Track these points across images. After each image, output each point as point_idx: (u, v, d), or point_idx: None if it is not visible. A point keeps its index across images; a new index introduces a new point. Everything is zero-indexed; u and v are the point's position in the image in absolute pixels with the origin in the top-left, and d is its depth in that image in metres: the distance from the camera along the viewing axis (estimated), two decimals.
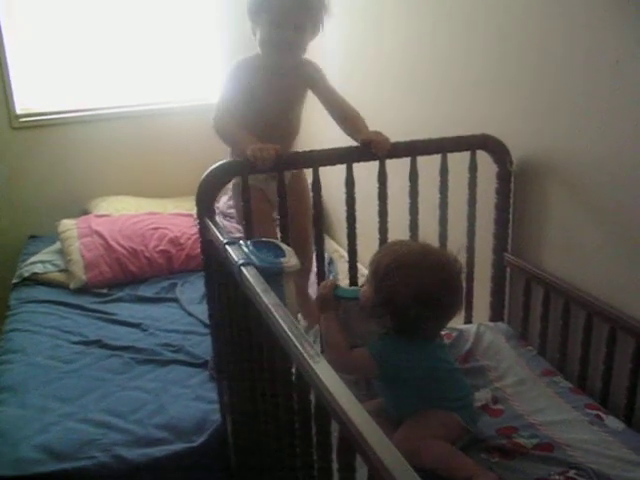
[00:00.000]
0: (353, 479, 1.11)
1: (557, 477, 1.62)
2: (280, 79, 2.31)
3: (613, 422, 1.83)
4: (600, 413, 1.87)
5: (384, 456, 0.91)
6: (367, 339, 1.74)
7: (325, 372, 1.13)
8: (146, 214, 3.87)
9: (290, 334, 1.26)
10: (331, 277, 3.00)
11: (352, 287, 1.92)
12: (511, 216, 2.28)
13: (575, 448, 1.72)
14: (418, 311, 1.64)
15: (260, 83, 2.29)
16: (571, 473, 1.63)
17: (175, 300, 3.26)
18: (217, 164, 2.03)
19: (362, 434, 0.97)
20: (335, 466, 1.14)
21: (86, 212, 4.04)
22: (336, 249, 3.70)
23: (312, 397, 1.23)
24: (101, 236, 3.57)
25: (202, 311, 2.95)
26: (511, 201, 2.26)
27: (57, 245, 3.72)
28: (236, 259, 1.61)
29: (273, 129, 2.30)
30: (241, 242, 1.75)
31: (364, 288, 1.76)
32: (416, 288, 1.63)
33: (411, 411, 1.71)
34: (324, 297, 1.82)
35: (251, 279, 1.51)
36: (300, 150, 2.24)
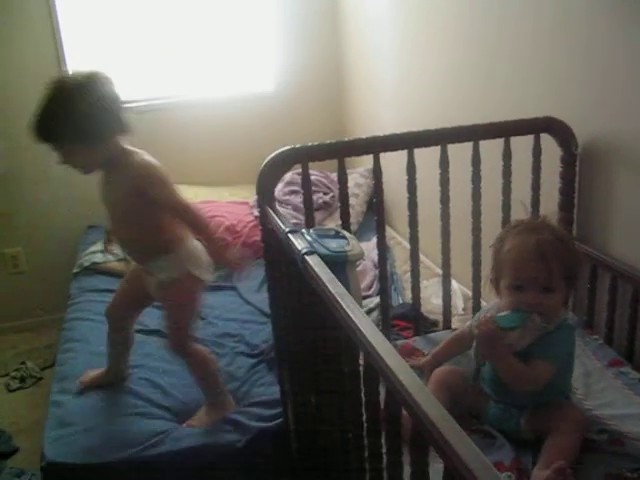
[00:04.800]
0: (426, 473, 1.08)
1: (629, 474, 1.58)
2: (105, 184, 2.21)
3: None
4: None
5: (461, 451, 0.89)
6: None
7: (396, 363, 1.10)
8: (202, 202, 3.88)
9: (358, 324, 1.23)
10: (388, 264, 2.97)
11: (505, 313, 1.72)
12: (576, 201, 2.22)
13: None
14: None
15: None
16: None
17: (233, 288, 3.26)
18: (277, 152, 2.01)
19: (437, 427, 0.94)
20: (406, 459, 1.12)
21: None
22: (393, 236, 3.67)
23: (381, 388, 1.21)
24: None
25: (260, 299, 2.95)
26: (576, 185, 2.20)
27: None
28: (299, 248, 1.59)
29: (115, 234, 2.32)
30: (303, 230, 1.73)
31: (550, 298, 1.70)
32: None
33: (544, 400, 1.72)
34: (491, 337, 1.67)
35: (315, 268, 1.48)
36: (360, 137, 2.19)
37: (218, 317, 2.97)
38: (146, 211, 2.14)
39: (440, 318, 2.46)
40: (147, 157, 2.15)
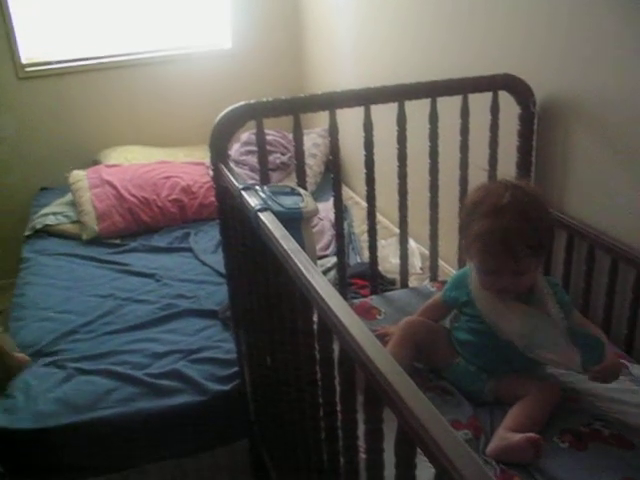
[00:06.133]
0: (380, 431, 1.07)
1: (582, 429, 1.59)
2: None
3: (639, 370, 1.80)
4: (625, 361, 1.83)
5: (415, 408, 0.87)
6: None
7: (349, 319, 1.08)
8: (157, 163, 3.82)
9: (311, 280, 1.21)
10: (346, 224, 2.95)
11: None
12: (534, 159, 2.20)
13: (600, 398, 1.69)
14: None
15: None
16: (597, 425, 1.60)
17: (189, 250, 3.22)
18: (230, 107, 1.96)
19: (390, 383, 0.92)
20: (361, 417, 1.10)
21: (96, 162, 3.99)
22: (351, 196, 3.65)
23: (335, 345, 1.19)
24: (112, 186, 3.52)
25: (216, 260, 2.93)
26: (534, 144, 2.18)
27: (69, 196, 3.69)
28: (253, 205, 1.56)
29: None
30: (257, 187, 1.70)
31: (522, 279, 1.65)
32: None
33: None
34: None
35: (269, 225, 1.45)
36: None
37: (173, 278, 2.93)
38: None
39: (398, 277, 2.45)
40: None
